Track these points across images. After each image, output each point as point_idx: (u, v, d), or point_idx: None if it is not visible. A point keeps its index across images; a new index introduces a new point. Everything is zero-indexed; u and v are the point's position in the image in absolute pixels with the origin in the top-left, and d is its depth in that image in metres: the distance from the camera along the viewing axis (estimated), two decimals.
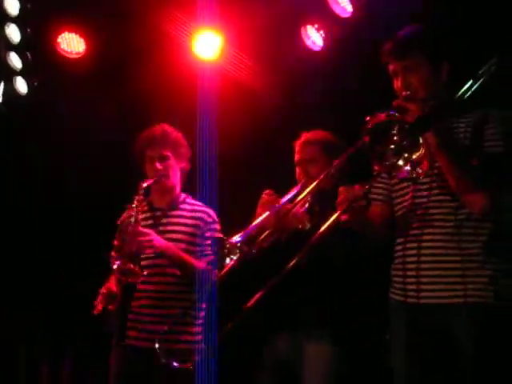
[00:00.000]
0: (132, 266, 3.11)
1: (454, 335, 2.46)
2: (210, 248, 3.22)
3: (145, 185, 3.26)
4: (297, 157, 3.19)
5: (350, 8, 4.16)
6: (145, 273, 3.19)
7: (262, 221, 2.80)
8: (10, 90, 4.66)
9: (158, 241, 3.18)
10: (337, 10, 4.20)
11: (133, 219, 3.16)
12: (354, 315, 3.04)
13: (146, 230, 3.19)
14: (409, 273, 2.56)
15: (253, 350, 3.22)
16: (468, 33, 3.56)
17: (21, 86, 4.64)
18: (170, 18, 4.29)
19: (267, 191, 2.96)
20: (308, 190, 2.67)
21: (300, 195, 2.70)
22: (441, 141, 2.43)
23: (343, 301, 3.01)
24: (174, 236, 3.26)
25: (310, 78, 4.24)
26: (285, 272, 2.70)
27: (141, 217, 3.28)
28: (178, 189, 3.40)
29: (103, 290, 3.23)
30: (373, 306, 3.07)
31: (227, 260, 2.70)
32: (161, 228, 3.28)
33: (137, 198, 3.23)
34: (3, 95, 4.67)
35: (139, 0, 4.22)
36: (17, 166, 4.73)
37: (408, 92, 2.54)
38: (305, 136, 3.22)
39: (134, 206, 3.21)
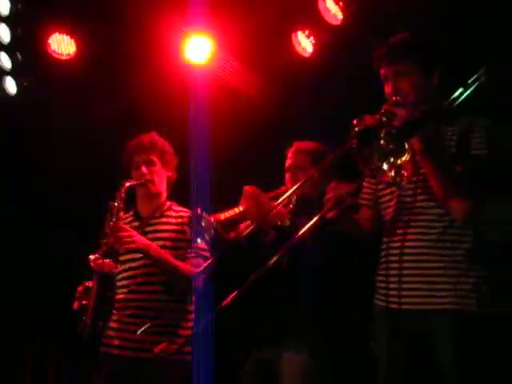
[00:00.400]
0: (107, 259, 3.14)
1: (435, 342, 2.48)
2: (195, 251, 3.22)
3: (127, 184, 3.28)
4: (288, 163, 3.27)
5: (340, 15, 4.20)
6: (120, 268, 3.22)
7: (242, 209, 2.90)
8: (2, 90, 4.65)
9: (139, 238, 3.18)
10: (327, 17, 4.24)
11: (114, 216, 3.18)
12: (335, 314, 3.07)
13: (126, 227, 3.21)
14: (391, 278, 2.58)
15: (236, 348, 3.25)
16: (460, 38, 3.60)
17: (10, 86, 4.63)
18: (161, 21, 4.30)
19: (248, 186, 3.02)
20: (293, 189, 2.74)
21: (284, 195, 2.78)
22: (426, 147, 2.45)
23: (323, 300, 3.04)
24: (159, 243, 3.25)
25: (300, 83, 4.27)
26: (265, 270, 2.69)
27: (127, 219, 3.31)
28: (163, 196, 3.40)
29: (79, 287, 3.23)
30: (355, 307, 3.10)
31: (206, 237, 2.81)
32: (146, 236, 3.27)
33: (118, 195, 3.24)
34: None
35: (131, 3, 4.22)
36: (8, 165, 4.73)
37: (398, 97, 2.55)
38: (297, 144, 3.30)
39: (115, 204, 3.23)
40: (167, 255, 3.19)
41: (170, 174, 3.40)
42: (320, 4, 4.21)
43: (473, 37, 3.63)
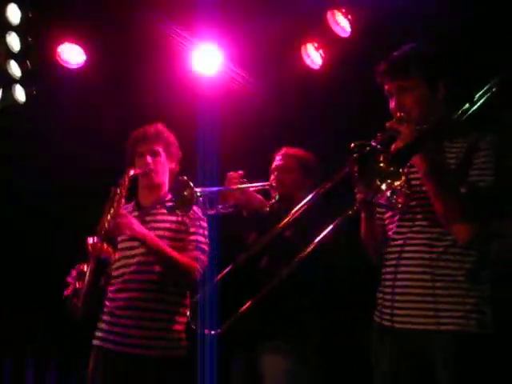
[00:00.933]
0: (105, 244, 3.11)
1: (431, 361, 2.42)
2: (193, 244, 3.20)
3: (132, 172, 3.25)
4: (275, 164, 3.42)
5: (348, 28, 4.21)
6: (116, 256, 3.19)
7: (224, 189, 3.13)
8: (8, 97, 4.67)
9: (139, 227, 3.14)
10: (336, 30, 4.25)
11: (115, 202, 3.15)
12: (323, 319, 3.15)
13: (126, 213, 3.18)
14: (387, 296, 2.55)
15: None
16: (467, 50, 3.58)
17: (19, 94, 4.65)
18: (170, 32, 4.32)
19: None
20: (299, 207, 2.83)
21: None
22: (430, 167, 2.41)
23: (316, 317, 3.14)
24: (158, 233, 3.21)
25: (308, 95, 4.27)
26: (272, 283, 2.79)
27: (127, 209, 3.28)
28: (165, 187, 3.37)
29: (73, 270, 3.19)
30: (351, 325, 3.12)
31: (185, 208, 2.95)
32: (146, 225, 3.22)
33: (122, 182, 3.21)
34: (1, 102, 4.68)
35: (140, 14, 4.24)
36: (15, 170, 4.74)
37: (402, 114, 2.51)
38: (286, 149, 3.46)
39: (118, 190, 3.20)
40: (165, 246, 3.14)
41: (173, 166, 3.37)
42: (329, 16, 4.23)
43: (481, 48, 3.60)
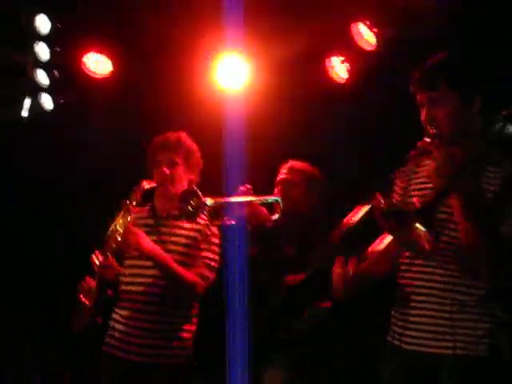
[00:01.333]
0: (113, 260, 3.11)
1: (435, 378, 2.35)
2: (202, 260, 3.19)
3: (146, 186, 3.17)
4: (280, 177, 3.41)
5: (373, 41, 4.22)
6: (122, 270, 3.18)
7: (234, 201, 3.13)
8: (36, 105, 4.75)
9: (146, 243, 3.11)
10: (360, 43, 4.27)
11: (125, 216, 3.11)
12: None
13: (136, 230, 3.13)
14: (398, 316, 2.50)
15: None
16: (505, 60, 3.50)
17: (47, 102, 4.72)
18: (196, 43, 4.36)
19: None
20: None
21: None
22: (465, 205, 2.25)
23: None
24: (171, 247, 3.18)
25: (334, 108, 4.29)
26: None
27: (141, 222, 3.25)
28: None
29: (83, 283, 3.20)
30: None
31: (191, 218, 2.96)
32: (158, 237, 3.21)
33: (134, 196, 3.15)
34: (29, 110, 4.76)
35: (167, 24, 4.30)
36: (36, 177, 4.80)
37: (433, 129, 2.38)
38: (292, 162, 3.45)
39: (128, 203, 3.14)
40: (171, 261, 3.11)
41: (192, 177, 3.29)
42: (353, 29, 4.25)
43: None
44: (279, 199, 3.27)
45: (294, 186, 3.37)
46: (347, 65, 4.35)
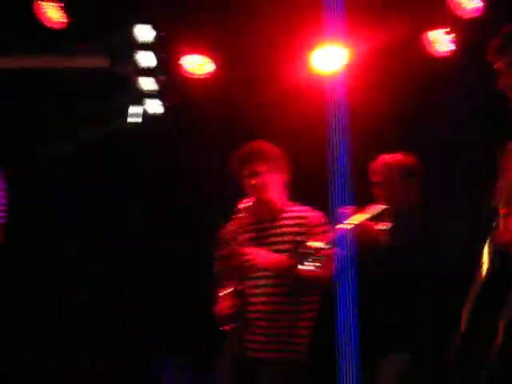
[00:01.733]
0: (243, 284, 3.25)
1: None
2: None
3: (242, 206, 3.33)
4: (376, 178, 3.29)
5: (473, 8, 4.09)
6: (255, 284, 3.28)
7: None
8: (145, 111, 4.97)
9: (260, 258, 3.23)
10: (459, 12, 4.15)
11: (233, 240, 3.27)
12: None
13: (246, 250, 3.26)
14: None
15: None
16: None
17: (156, 107, 4.93)
18: (294, 33, 4.38)
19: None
20: None
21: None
22: None
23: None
24: (279, 247, 3.28)
25: (436, 83, 4.19)
26: None
27: (245, 235, 3.35)
28: (277, 200, 3.40)
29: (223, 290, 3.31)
30: None
31: (306, 264, 2.93)
32: (263, 241, 3.32)
33: (237, 219, 3.32)
34: (140, 116, 4.99)
35: (264, 19, 4.35)
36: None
37: None
38: (386, 158, 3.30)
39: (234, 227, 3.32)
40: (286, 264, 3.18)
41: (279, 176, 3.39)
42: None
43: None
44: (384, 207, 3.19)
45: (394, 185, 3.26)
46: (450, 36, 4.24)
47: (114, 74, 4.81)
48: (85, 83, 4.74)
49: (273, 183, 3.36)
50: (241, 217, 3.32)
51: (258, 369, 3.22)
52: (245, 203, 3.34)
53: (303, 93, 4.38)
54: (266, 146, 3.42)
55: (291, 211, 3.37)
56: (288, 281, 3.22)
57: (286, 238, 3.29)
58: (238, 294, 3.26)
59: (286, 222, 3.33)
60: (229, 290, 3.27)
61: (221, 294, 3.28)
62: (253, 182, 3.34)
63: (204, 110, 4.86)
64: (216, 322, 3.28)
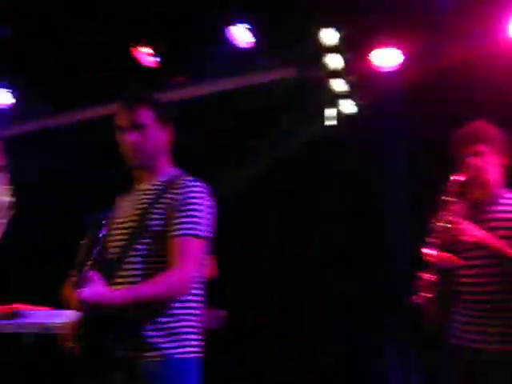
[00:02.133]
0: (446, 254, 3.16)
1: None
2: None
3: (457, 179, 3.25)
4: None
5: None
6: (463, 263, 3.20)
7: None
8: (339, 111, 5.07)
9: (471, 230, 3.14)
10: None
11: (446, 211, 3.17)
12: None
13: (458, 220, 3.18)
14: None
15: None
16: None
17: (349, 107, 5.00)
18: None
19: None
20: None
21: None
22: None
23: None
24: (499, 232, 3.16)
25: None
26: None
27: (461, 213, 3.26)
28: (497, 184, 3.31)
29: (422, 281, 3.25)
30: None
31: None
32: (482, 224, 3.20)
33: (450, 190, 3.22)
34: (334, 117, 5.10)
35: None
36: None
37: None
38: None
39: (448, 199, 3.22)
40: (505, 246, 3.10)
41: (502, 160, 3.29)
42: None
43: None
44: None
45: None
46: None
47: (301, 82, 4.95)
48: (278, 96, 4.94)
49: (493, 165, 3.30)
50: (450, 195, 3.24)
51: (480, 360, 3.17)
52: (455, 181, 3.27)
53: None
54: (489, 127, 3.35)
55: (508, 198, 3.27)
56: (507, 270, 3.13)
57: (504, 224, 3.19)
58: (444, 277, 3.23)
59: (506, 208, 3.23)
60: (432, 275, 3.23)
61: (425, 278, 3.24)
62: (472, 162, 3.29)
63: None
64: (421, 310, 3.26)
